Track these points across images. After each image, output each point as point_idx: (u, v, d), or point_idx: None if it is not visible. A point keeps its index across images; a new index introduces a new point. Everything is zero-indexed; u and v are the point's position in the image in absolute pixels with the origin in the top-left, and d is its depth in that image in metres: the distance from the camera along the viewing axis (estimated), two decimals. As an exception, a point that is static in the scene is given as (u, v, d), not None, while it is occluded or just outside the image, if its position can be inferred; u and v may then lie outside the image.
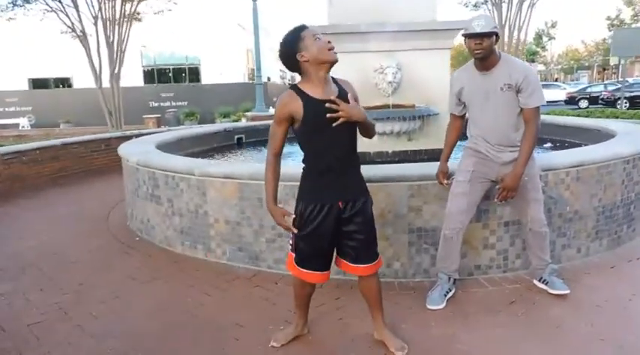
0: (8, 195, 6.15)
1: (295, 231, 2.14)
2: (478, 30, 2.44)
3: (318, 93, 2.05)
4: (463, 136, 2.93)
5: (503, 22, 18.11)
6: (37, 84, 28.07)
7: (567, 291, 2.81)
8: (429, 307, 2.74)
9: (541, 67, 49.62)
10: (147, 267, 3.55)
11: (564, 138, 6.05)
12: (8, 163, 6.64)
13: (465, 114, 2.85)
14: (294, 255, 2.23)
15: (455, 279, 2.89)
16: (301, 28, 2.05)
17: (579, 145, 5.38)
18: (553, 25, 45.44)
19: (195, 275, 3.35)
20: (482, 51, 2.48)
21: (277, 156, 2.16)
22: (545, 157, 3.39)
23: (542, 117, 6.68)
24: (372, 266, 2.22)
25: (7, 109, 22.98)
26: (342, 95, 2.06)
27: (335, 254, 2.26)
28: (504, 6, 17.97)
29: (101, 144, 8.14)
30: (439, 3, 5.26)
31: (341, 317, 2.63)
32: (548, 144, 6.06)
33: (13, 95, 23.43)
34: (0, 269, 3.59)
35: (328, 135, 2.03)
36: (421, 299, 2.81)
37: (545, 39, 46.28)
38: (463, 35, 2.53)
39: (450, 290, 2.85)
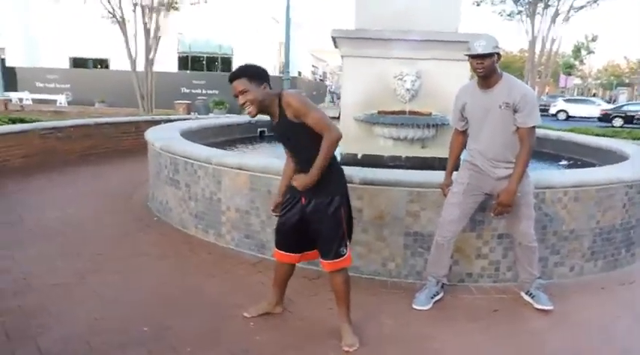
0: (42, 167, 6.56)
1: (274, 213, 2.62)
2: (479, 51, 2.59)
3: (271, 120, 2.45)
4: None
5: (536, 34, 17.84)
6: (77, 63, 29.04)
7: (551, 307, 2.93)
8: (414, 307, 2.91)
9: (577, 81, 48.38)
10: (160, 245, 3.83)
11: (582, 158, 6.07)
12: (44, 138, 7.07)
13: (467, 129, 2.99)
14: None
15: (443, 284, 3.05)
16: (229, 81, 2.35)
17: (594, 165, 5.43)
18: (593, 39, 44.18)
19: (204, 257, 3.61)
20: (484, 70, 2.63)
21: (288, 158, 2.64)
22: (545, 175, 3.49)
23: (562, 134, 6.78)
24: (332, 264, 2.42)
25: (47, 85, 23.90)
26: (281, 116, 2.32)
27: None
28: (538, 17, 17.68)
29: (131, 126, 8.53)
30: (470, 9, 5.37)
31: (330, 307, 2.82)
32: (564, 162, 6.09)
33: (53, 72, 24.35)
34: (31, 235, 3.93)
35: (286, 147, 2.52)
36: (409, 299, 2.98)
37: (584, 52, 45.07)
38: (467, 55, 2.68)
39: (438, 294, 3.01)
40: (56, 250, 3.61)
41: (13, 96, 21.46)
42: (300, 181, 2.30)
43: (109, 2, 15.09)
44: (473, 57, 2.63)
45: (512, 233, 3.01)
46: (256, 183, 3.56)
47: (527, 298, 3.05)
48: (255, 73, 2.31)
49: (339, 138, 2.28)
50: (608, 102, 36.49)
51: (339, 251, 2.40)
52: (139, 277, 3.21)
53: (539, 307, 2.95)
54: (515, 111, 2.66)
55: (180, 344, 2.42)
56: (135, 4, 15.15)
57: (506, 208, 2.77)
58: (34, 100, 21.72)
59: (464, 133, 3.03)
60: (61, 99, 22.33)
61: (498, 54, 2.66)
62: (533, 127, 2.70)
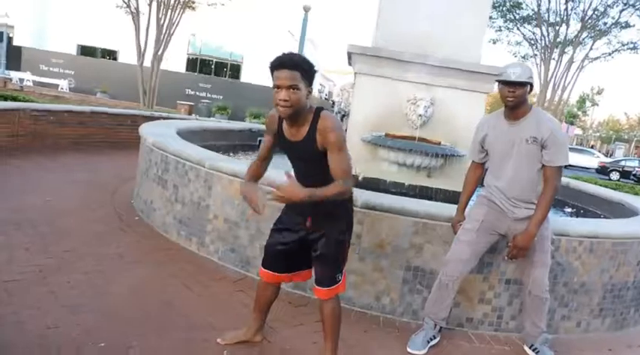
0: (28, 150, 6.25)
1: (257, 212, 2.15)
2: (513, 78, 2.36)
3: (286, 128, 2.09)
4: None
5: (548, 79, 17.89)
6: (85, 51, 28.88)
7: (557, 366, 2.66)
8: (409, 350, 2.62)
9: (578, 131, 48.81)
10: (138, 249, 3.52)
11: (587, 207, 5.85)
12: (36, 119, 6.77)
13: (485, 162, 2.75)
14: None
15: (441, 327, 2.76)
16: (273, 66, 1.94)
17: (599, 216, 5.21)
18: (599, 92, 44.76)
19: (183, 267, 3.30)
20: (515, 99, 2.40)
21: (260, 160, 2.32)
22: (561, 221, 3.25)
23: (569, 181, 6.55)
24: (327, 291, 2.17)
25: (51, 69, 23.65)
26: (308, 139, 2.01)
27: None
28: (553, 63, 17.78)
29: (127, 119, 8.25)
30: (486, 46, 5.20)
31: (315, 341, 2.52)
32: (569, 209, 5.87)
33: (59, 57, 24.13)
34: (-3, 220, 3.61)
35: (291, 162, 2.18)
36: (403, 340, 2.70)
37: (588, 104, 45.59)
38: (497, 81, 2.45)
39: (435, 338, 2.72)
40: (22, 241, 3.29)
41: (14, 75, 21.17)
42: (294, 192, 1.86)
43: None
44: (505, 84, 2.40)
45: (523, 280, 2.74)
46: (250, 193, 3.27)
47: (530, 353, 2.78)
48: (310, 71, 1.94)
49: (350, 194, 2.09)
50: (606, 155, 36.80)
51: (335, 277, 2.15)
52: (108, 282, 2.89)
53: (544, 365, 2.67)
54: (542, 147, 2.43)
55: (140, 366, 2.12)
56: (151, -2, 15.03)
57: (521, 252, 2.51)
58: (35, 82, 21.44)
59: (482, 167, 2.79)
60: (63, 85, 22.10)
61: (531, 85, 2.44)
62: (561, 167, 2.46)
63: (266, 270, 2.31)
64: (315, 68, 1.99)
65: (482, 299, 3.02)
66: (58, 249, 3.23)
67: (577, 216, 5.42)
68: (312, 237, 2.16)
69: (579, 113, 46.65)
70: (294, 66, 1.89)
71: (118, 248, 3.43)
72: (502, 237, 2.69)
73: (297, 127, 2.03)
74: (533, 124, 2.45)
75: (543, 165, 2.46)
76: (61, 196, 4.48)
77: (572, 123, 42.31)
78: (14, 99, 7.76)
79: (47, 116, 6.97)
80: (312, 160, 2.04)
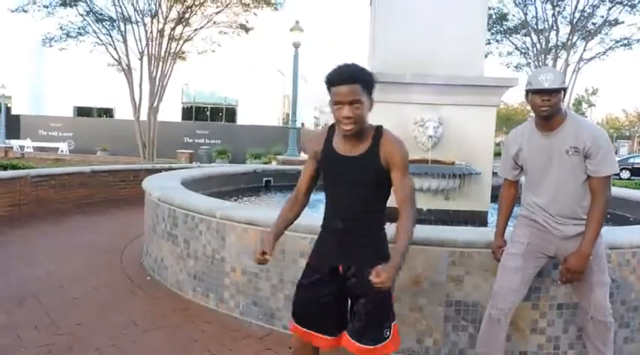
0: (30, 218, 6.07)
1: (258, 260, 1.91)
2: (546, 85, 2.16)
3: (339, 143, 1.89)
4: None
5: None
6: (82, 112, 29.29)
7: (633, 399, 2.35)
8: (466, 399, 2.32)
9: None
10: (152, 312, 3.26)
11: (615, 211, 5.58)
12: (36, 186, 6.62)
13: (519, 179, 2.53)
14: None
15: (498, 369, 2.46)
16: (330, 82, 1.78)
17: (631, 221, 4.94)
18: (594, 92, 44.90)
19: (203, 328, 3.04)
20: (550, 108, 2.19)
21: (300, 193, 2.04)
22: (608, 232, 2.99)
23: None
24: (373, 350, 1.83)
25: (50, 133, 23.90)
26: (370, 153, 1.82)
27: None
28: (548, 70, 17.77)
29: (130, 174, 8.11)
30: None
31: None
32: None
33: (57, 120, 24.45)
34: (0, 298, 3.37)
35: (334, 188, 1.91)
36: (456, 388, 2.40)
37: (584, 106, 45.67)
38: (528, 91, 2.25)
39: (492, 381, 2.42)
40: (28, 318, 3.04)
41: (15, 143, 21.35)
42: (387, 274, 1.62)
43: (115, 50, 15.16)
44: (537, 93, 2.20)
45: (581, 304, 2.46)
46: (267, 240, 3.04)
47: (599, 385, 2.47)
48: (371, 82, 1.78)
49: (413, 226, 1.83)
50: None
51: (382, 334, 1.83)
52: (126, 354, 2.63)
53: (618, 399, 2.36)
54: (585, 157, 2.21)
55: None
56: (142, 53, 15.21)
57: (576, 275, 2.25)
58: (35, 148, 21.60)
59: (516, 185, 2.56)
60: (63, 147, 22.24)
61: (565, 89, 2.24)
62: (609, 177, 2.23)
63: (298, 325, 1.96)
64: (375, 77, 1.81)
65: (535, 329, 2.73)
66: (67, 324, 2.97)
67: (611, 224, 5.14)
68: (355, 287, 1.85)
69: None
70: (354, 79, 1.73)
71: (131, 315, 3.17)
72: (551, 260, 2.44)
73: (355, 143, 1.83)
74: (572, 133, 2.24)
75: (589, 177, 2.23)
76: (66, 264, 4.25)
77: (571, 127, 42.36)
78: (14, 167, 7.64)
79: (48, 181, 6.83)
80: (367, 182, 1.82)
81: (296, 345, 2.07)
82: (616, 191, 5.85)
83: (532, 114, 2.37)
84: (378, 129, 1.86)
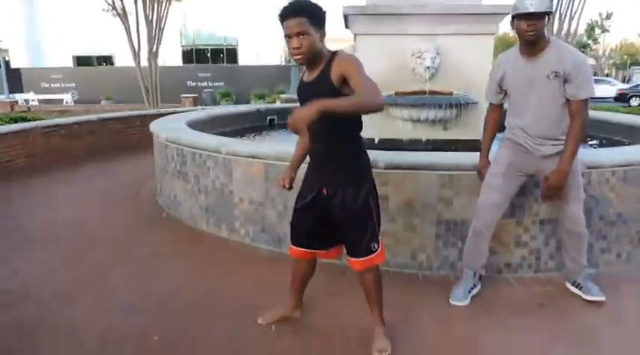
0: (46, 167, 6.34)
1: (283, 187, 2.25)
2: (532, 9, 2.24)
3: (306, 73, 2.07)
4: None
5: (553, 10, 17.13)
6: (81, 61, 28.92)
7: (603, 298, 2.63)
8: (452, 302, 2.62)
9: (591, 61, 47.16)
10: (171, 244, 3.57)
11: (613, 137, 5.70)
12: (48, 136, 6.85)
13: (503, 103, 2.67)
14: None
15: (481, 276, 2.75)
16: (280, 17, 1.91)
17: (628, 145, 5.07)
18: (608, 17, 42.92)
19: (218, 255, 3.34)
20: (535, 33, 2.29)
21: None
22: (590, 154, 3.17)
23: (590, 112, 6.36)
24: (363, 262, 2.11)
25: (52, 85, 23.80)
26: (322, 75, 1.95)
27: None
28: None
29: (136, 120, 8.29)
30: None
31: (359, 309, 2.53)
32: (595, 142, 5.73)
33: (58, 72, 24.23)
34: (32, 238, 3.69)
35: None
36: (444, 294, 2.70)
37: (597, 31, 43.85)
38: (514, 16, 2.33)
39: (475, 287, 2.71)
40: (58, 255, 3.36)
41: (19, 97, 21.37)
42: (302, 110, 1.68)
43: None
44: (522, 17, 2.28)
45: (558, 217, 2.69)
46: (271, 172, 3.27)
47: (574, 289, 2.75)
48: (317, 14, 1.91)
49: (378, 106, 1.75)
50: (622, 81, 35.57)
51: (370, 246, 2.09)
52: (150, 281, 2.95)
53: (590, 298, 2.64)
54: (565, 81, 2.33)
55: (196, 354, 2.17)
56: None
57: (556, 191, 2.45)
58: (40, 101, 21.63)
59: (500, 108, 2.71)
60: (67, 98, 22.24)
61: (550, 14, 2.32)
62: (587, 100, 2.37)
63: (294, 247, 2.29)
64: (324, 9, 1.94)
65: (519, 242, 2.99)
66: (95, 258, 3.29)
67: (603, 147, 5.28)
68: (334, 203, 2.07)
69: (589, 42, 45.06)
70: (299, 12, 1.87)
71: (152, 247, 3.49)
72: (530, 178, 2.64)
73: (314, 70, 1.99)
74: (554, 58, 2.35)
75: (567, 100, 2.37)
76: (86, 207, 4.56)
77: (582, 54, 40.86)
78: (23, 119, 7.83)
79: (58, 131, 7.04)
80: (324, 97, 1.89)
81: (294, 264, 2.38)
82: (616, 118, 5.94)
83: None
84: (334, 54, 1.97)
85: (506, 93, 2.59)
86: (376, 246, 2.11)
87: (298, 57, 1.92)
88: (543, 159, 2.50)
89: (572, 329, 2.41)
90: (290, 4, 1.90)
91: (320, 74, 1.96)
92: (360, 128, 2.09)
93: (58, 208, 4.52)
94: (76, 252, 3.42)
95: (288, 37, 1.91)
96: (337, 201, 2.06)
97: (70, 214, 4.31)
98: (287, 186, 2.24)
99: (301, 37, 1.88)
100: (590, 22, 43.02)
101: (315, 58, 1.95)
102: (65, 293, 2.75)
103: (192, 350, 2.20)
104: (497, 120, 2.72)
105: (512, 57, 2.52)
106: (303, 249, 2.27)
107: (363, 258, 2.10)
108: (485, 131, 2.75)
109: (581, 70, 2.33)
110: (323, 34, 1.95)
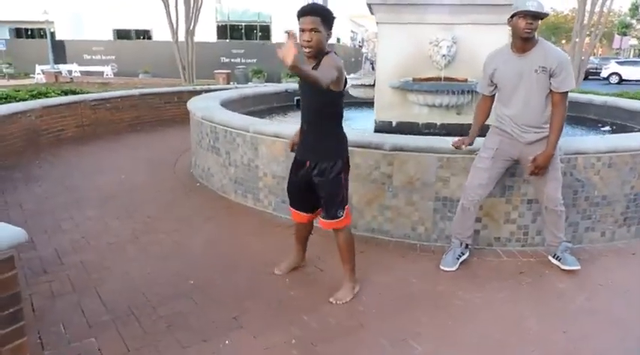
0: (94, 137, 7.02)
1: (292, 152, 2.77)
2: (533, 10, 2.57)
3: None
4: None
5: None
6: (121, 35, 29.83)
7: (578, 267, 3.00)
8: (442, 268, 3.05)
9: (634, 42, 44.93)
10: (204, 209, 4.11)
11: (626, 123, 5.87)
12: (94, 109, 7.50)
13: (494, 95, 3.02)
14: None
15: (467, 244, 3.15)
16: (298, 14, 2.33)
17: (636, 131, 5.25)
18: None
19: (244, 220, 3.86)
20: (532, 32, 2.63)
21: None
22: (577, 141, 3.47)
23: (607, 98, 6.53)
24: (327, 224, 2.60)
25: (93, 57, 24.81)
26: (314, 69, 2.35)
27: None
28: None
29: (174, 96, 8.86)
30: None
31: (360, 267, 3.00)
32: (607, 128, 5.91)
33: (99, 44, 25.20)
34: (88, 198, 4.31)
35: (301, 98, 2.59)
36: (437, 261, 3.12)
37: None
38: (515, 13, 2.65)
39: (463, 254, 3.12)
40: (111, 212, 3.96)
41: (63, 68, 22.44)
42: (287, 52, 1.93)
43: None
44: (523, 16, 2.61)
45: (538, 197, 3.06)
46: (291, 150, 3.73)
47: (554, 261, 3.12)
48: (329, 18, 2.34)
49: (320, 83, 2.09)
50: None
51: (336, 213, 2.56)
52: (186, 237, 3.49)
53: (566, 268, 3.01)
54: (551, 76, 2.69)
55: (223, 295, 2.69)
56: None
57: (542, 170, 2.82)
58: (82, 72, 22.65)
59: (491, 99, 3.07)
60: (108, 71, 23.16)
61: (546, 16, 2.67)
62: (567, 92, 2.72)
63: (292, 209, 2.79)
64: (334, 15, 2.38)
65: (508, 219, 3.36)
66: (141, 216, 3.87)
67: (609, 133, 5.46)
68: (314, 174, 2.53)
69: (633, 21, 42.86)
70: (315, 12, 2.31)
71: (188, 210, 4.04)
72: (515, 162, 3.00)
73: (311, 64, 2.39)
74: (542, 55, 2.69)
75: (551, 91, 2.72)
76: (132, 173, 5.16)
77: (624, 34, 39.00)
78: (73, 92, 8.53)
79: (104, 104, 7.68)
80: (312, 91, 2.36)
81: (295, 226, 2.94)
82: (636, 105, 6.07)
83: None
84: (327, 53, 2.35)
85: (496, 86, 2.94)
86: (341, 212, 2.58)
87: (308, 49, 2.33)
88: (527, 146, 2.86)
89: (539, 291, 2.80)
90: (308, 4, 2.37)
91: (313, 68, 2.36)
92: (340, 114, 2.54)
93: (107, 172, 5.14)
94: (126, 210, 4.00)
95: (302, 31, 2.32)
96: (317, 171, 2.52)
97: (119, 179, 4.92)
98: (290, 149, 2.82)
99: (313, 32, 2.30)
100: (635, 1, 40.85)
101: (318, 53, 2.35)
102: (117, 244, 3.33)
103: (220, 292, 2.72)
104: (487, 110, 3.09)
105: (503, 53, 2.86)
106: (297, 211, 2.76)
107: (328, 221, 2.61)
108: (476, 117, 3.13)
109: (564, 67, 2.68)
110: (329, 35, 2.38)
